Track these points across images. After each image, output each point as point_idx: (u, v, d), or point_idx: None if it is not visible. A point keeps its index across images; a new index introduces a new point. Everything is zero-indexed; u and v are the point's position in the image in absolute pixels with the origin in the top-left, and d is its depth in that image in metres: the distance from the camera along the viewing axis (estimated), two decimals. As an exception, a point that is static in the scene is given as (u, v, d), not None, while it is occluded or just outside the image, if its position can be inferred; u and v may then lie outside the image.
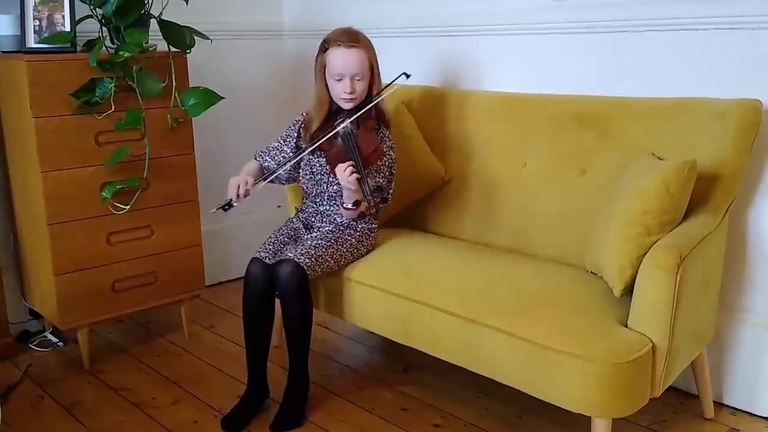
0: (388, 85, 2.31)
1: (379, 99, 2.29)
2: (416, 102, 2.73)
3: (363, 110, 2.26)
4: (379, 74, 2.32)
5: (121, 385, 2.48)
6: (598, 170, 2.25)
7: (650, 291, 1.77)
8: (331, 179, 2.32)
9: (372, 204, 2.14)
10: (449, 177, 2.60)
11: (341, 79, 2.25)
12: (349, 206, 2.20)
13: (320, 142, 2.25)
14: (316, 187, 2.38)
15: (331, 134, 2.25)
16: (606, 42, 2.37)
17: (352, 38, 2.25)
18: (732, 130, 1.99)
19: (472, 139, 2.59)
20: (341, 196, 2.24)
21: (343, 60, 2.23)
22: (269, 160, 2.43)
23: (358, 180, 2.11)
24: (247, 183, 2.25)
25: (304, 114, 2.42)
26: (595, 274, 2.04)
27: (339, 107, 2.32)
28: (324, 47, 2.29)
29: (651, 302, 1.78)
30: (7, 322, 2.72)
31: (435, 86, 2.80)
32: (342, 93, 2.26)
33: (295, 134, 2.42)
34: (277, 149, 2.43)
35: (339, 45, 2.24)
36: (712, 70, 2.15)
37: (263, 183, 2.30)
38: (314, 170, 2.37)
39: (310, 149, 2.29)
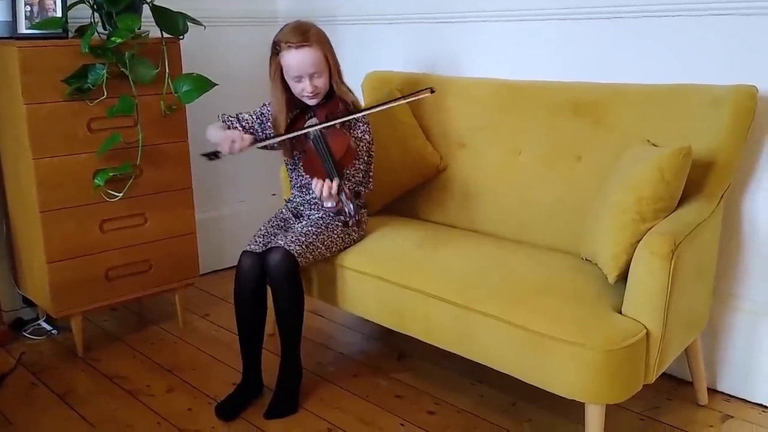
0: (412, 97, 2.28)
1: (385, 107, 2.25)
2: (411, 89, 2.71)
3: (334, 122, 2.20)
4: (336, 64, 2.27)
5: (115, 373, 2.48)
6: (593, 157, 2.24)
7: (644, 278, 1.77)
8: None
9: (352, 215, 2.09)
10: (444, 165, 2.60)
11: (300, 80, 2.22)
12: (328, 205, 2.14)
13: (291, 135, 2.23)
14: (300, 178, 2.37)
15: (301, 134, 2.22)
16: (601, 28, 2.36)
17: (302, 37, 2.19)
18: (727, 117, 1.98)
19: (467, 127, 2.58)
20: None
21: (297, 62, 2.19)
22: (239, 127, 2.36)
23: (336, 193, 2.08)
24: (243, 139, 2.21)
25: (268, 104, 2.37)
26: (590, 261, 2.04)
27: (305, 105, 2.29)
28: (276, 50, 2.24)
29: (645, 289, 1.78)
30: (1, 310, 2.71)
31: (430, 74, 2.78)
32: (304, 92, 2.23)
33: (266, 120, 2.37)
34: (248, 122, 2.37)
35: (290, 47, 2.19)
36: (708, 57, 2.15)
37: (260, 145, 2.25)
38: (297, 161, 2.36)
39: (286, 137, 2.25)
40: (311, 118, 2.28)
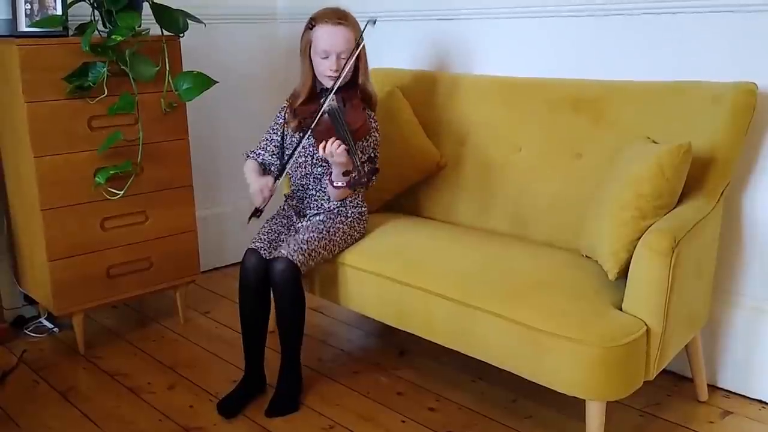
0: (359, 41, 2.25)
1: (353, 58, 2.22)
2: (411, 86, 2.72)
3: (341, 78, 2.20)
4: (365, 55, 2.30)
5: (116, 371, 2.48)
6: (593, 154, 2.24)
7: (645, 274, 1.78)
8: (315, 161, 2.30)
9: (363, 173, 2.07)
10: (444, 161, 2.60)
11: (327, 57, 2.23)
12: (339, 184, 2.16)
13: (310, 130, 2.21)
14: (300, 169, 2.36)
15: (318, 116, 2.20)
16: (601, 25, 2.36)
17: (340, 16, 2.23)
18: (727, 114, 1.99)
19: (467, 124, 2.58)
20: (330, 174, 2.22)
21: (329, 37, 2.21)
22: (263, 153, 2.39)
23: (347, 150, 2.08)
24: (268, 185, 2.22)
25: (288, 100, 2.38)
26: (590, 257, 2.04)
27: (322, 88, 2.30)
28: (311, 25, 2.26)
29: (645, 286, 1.78)
30: (2, 308, 2.72)
31: (430, 70, 2.78)
32: (327, 70, 2.23)
33: (281, 121, 2.38)
34: (267, 140, 2.39)
35: (326, 22, 2.22)
36: (708, 54, 2.15)
37: (281, 179, 2.26)
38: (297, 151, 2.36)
39: (305, 138, 2.24)
40: (326, 99, 2.23)
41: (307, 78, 2.30)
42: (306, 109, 2.28)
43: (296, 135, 2.32)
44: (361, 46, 2.25)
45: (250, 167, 2.36)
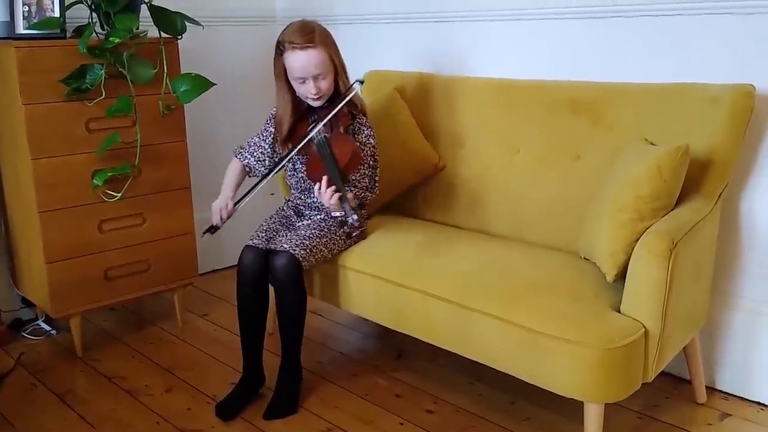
0: (346, 94, 2.22)
1: (341, 105, 2.19)
2: (409, 88, 2.72)
3: (329, 116, 2.18)
4: (342, 65, 2.24)
5: (114, 373, 2.48)
6: (591, 156, 2.24)
7: (643, 276, 1.77)
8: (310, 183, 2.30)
9: (356, 222, 2.04)
10: (442, 164, 2.60)
11: (304, 82, 2.19)
12: (335, 215, 2.13)
13: (294, 151, 2.23)
14: (301, 183, 2.37)
15: (305, 141, 2.20)
16: (599, 27, 2.36)
17: (307, 37, 2.14)
18: (725, 116, 1.99)
19: (465, 126, 2.58)
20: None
21: (301, 63, 2.15)
22: (249, 157, 2.38)
23: (339, 198, 2.05)
24: (228, 206, 2.26)
25: (275, 109, 2.35)
26: (588, 259, 2.04)
27: (309, 107, 2.27)
28: (279, 50, 2.20)
29: (643, 288, 1.78)
30: (-1, 311, 2.72)
31: (428, 72, 2.78)
32: (308, 93, 2.20)
33: (272, 129, 2.36)
34: (256, 145, 2.38)
35: (294, 48, 2.15)
36: (706, 56, 2.15)
37: (243, 203, 2.28)
38: (296, 167, 2.36)
39: (285, 160, 2.26)
40: (314, 122, 2.24)
41: (287, 102, 2.27)
42: (295, 135, 2.26)
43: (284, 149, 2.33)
44: (347, 99, 2.20)
45: (231, 170, 2.39)
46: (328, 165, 2.11)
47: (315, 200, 2.35)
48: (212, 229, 2.27)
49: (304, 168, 2.29)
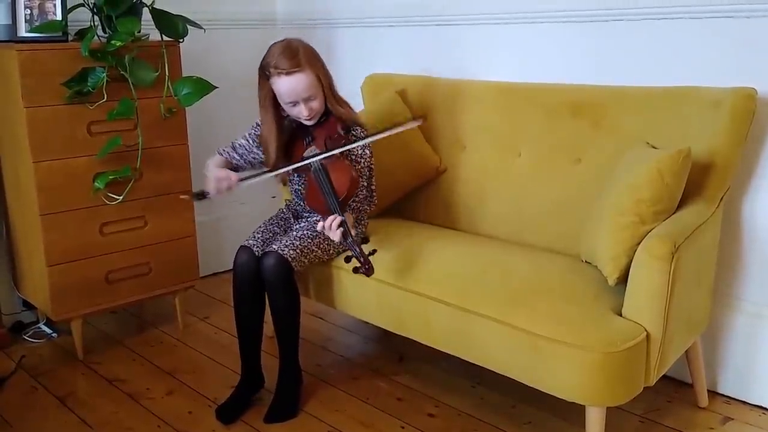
0: (396, 129, 2.19)
1: (338, 150, 2.14)
2: (410, 91, 2.72)
3: (334, 151, 2.13)
4: (328, 83, 2.20)
5: (114, 376, 2.48)
6: (593, 159, 2.24)
7: (644, 280, 1.77)
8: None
9: (362, 259, 2.01)
10: (443, 167, 2.60)
11: (295, 105, 2.16)
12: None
13: (290, 168, 2.21)
14: (299, 191, 2.36)
15: (301, 165, 2.17)
16: (601, 31, 2.37)
17: (292, 62, 2.10)
18: (727, 119, 1.99)
19: (466, 129, 2.58)
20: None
21: (290, 88, 2.12)
22: (236, 156, 2.35)
23: (343, 234, 2.02)
24: (231, 178, 2.18)
25: (259, 124, 2.32)
26: (590, 263, 2.04)
27: (301, 125, 2.24)
28: (265, 75, 2.17)
29: (645, 291, 1.78)
30: (0, 314, 2.71)
31: (429, 76, 2.78)
32: (300, 116, 2.18)
33: (257, 135, 2.34)
34: (245, 148, 2.35)
35: (279, 74, 2.11)
36: (707, 59, 2.15)
37: (248, 183, 2.21)
38: (293, 179, 2.35)
39: (285, 170, 2.23)
40: (310, 144, 2.23)
41: (272, 129, 2.24)
42: (293, 156, 2.24)
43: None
44: (337, 151, 2.15)
45: (216, 160, 2.33)
46: (326, 194, 2.10)
47: None
48: (200, 196, 2.19)
49: (302, 183, 2.29)
